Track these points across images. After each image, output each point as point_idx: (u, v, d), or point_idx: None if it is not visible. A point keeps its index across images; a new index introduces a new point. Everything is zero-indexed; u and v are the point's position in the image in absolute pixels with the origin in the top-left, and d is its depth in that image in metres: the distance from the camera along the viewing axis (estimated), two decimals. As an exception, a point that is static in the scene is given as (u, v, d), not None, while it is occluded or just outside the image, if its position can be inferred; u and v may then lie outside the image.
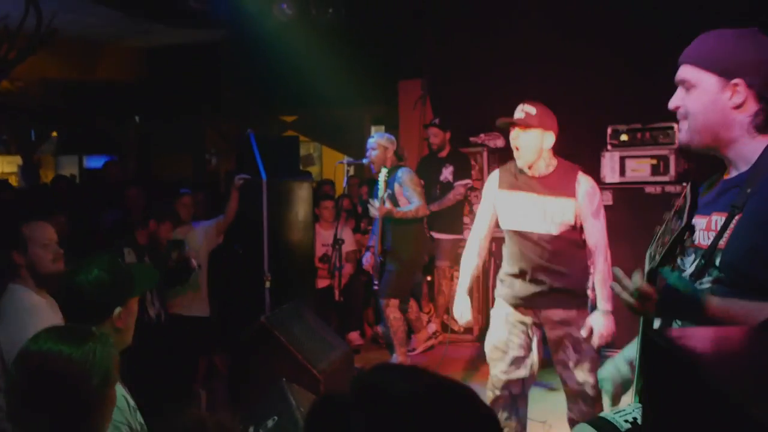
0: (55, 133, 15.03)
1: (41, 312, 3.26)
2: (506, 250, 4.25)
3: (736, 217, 2.00)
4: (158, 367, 4.87)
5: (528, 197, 4.04)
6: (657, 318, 2.16)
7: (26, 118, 13.31)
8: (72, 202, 7.43)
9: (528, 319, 4.15)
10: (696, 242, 2.13)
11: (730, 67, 2.05)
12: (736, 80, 2.04)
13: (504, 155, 8.13)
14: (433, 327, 7.28)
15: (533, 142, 3.99)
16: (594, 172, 7.09)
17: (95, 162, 13.47)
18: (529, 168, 4.03)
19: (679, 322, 2.15)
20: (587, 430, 2.20)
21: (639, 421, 2.15)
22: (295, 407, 3.55)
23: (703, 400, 0.96)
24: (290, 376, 4.16)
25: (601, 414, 2.30)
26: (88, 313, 2.50)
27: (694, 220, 2.12)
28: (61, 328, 2.13)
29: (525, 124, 4.01)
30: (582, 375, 4.04)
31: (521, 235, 4.08)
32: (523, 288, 4.12)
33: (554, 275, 4.03)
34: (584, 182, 4.00)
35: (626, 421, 2.18)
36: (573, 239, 4.04)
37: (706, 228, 2.11)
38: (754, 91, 2.04)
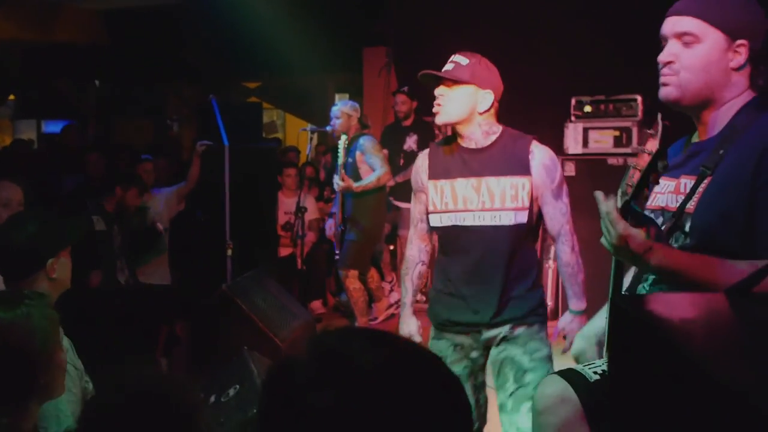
0: (12, 97, 14.72)
1: None
2: (439, 258, 3.34)
3: (706, 180, 1.96)
4: (118, 335, 4.83)
5: (465, 183, 3.14)
6: (616, 254, 2.13)
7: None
8: (30, 167, 7.29)
9: (475, 346, 3.21)
10: (664, 205, 2.10)
11: (738, 27, 1.98)
12: (741, 41, 1.98)
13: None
14: (395, 296, 7.29)
15: (461, 101, 3.13)
16: (557, 142, 7.13)
17: (54, 127, 13.23)
18: (461, 137, 3.18)
19: (646, 287, 2.16)
20: (556, 380, 2.20)
21: (607, 374, 2.14)
22: (257, 376, 3.54)
23: (669, 366, 0.97)
24: (252, 344, 4.15)
25: (573, 366, 2.31)
26: (22, 267, 2.63)
27: (662, 182, 2.09)
28: None
29: (452, 78, 3.15)
30: (520, 420, 3.07)
31: (458, 233, 3.16)
32: (462, 306, 3.19)
33: (504, 281, 3.12)
34: (540, 153, 3.13)
35: (595, 372, 2.18)
36: (528, 230, 3.15)
37: (674, 191, 2.08)
38: (752, 53, 2.00)
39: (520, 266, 3.15)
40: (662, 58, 2.06)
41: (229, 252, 5.91)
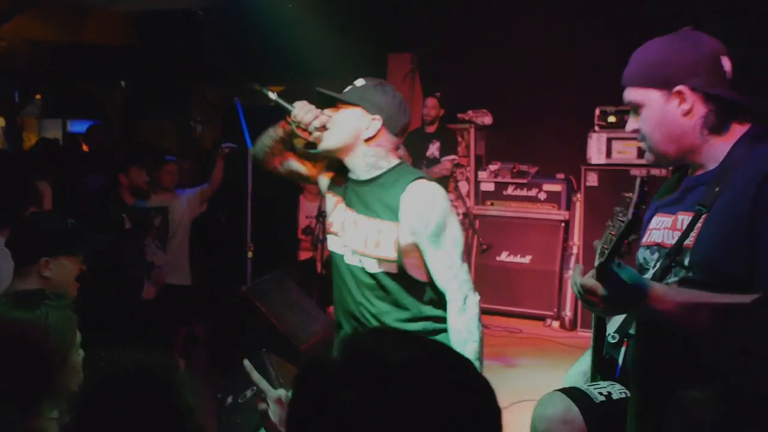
0: (39, 96, 14.86)
1: None
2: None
3: (703, 217, 1.95)
4: (137, 335, 4.87)
5: (348, 215, 2.84)
6: (604, 314, 2.15)
7: (10, 80, 13.14)
8: (56, 166, 7.36)
9: None
10: (660, 241, 2.09)
11: (667, 76, 2.00)
12: (677, 88, 1.99)
13: (491, 133, 8.15)
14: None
15: (345, 125, 2.75)
16: (580, 152, 7.12)
17: (79, 126, 13.33)
18: (351, 169, 2.82)
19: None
20: (559, 397, 2.19)
21: (613, 396, 2.16)
22: (275, 378, 3.54)
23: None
24: (270, 346, 4.15)
25: (577, 385, 2.30)
26: (16, 256, 2.76)
27: (658, 219, 2.12)
28: (12, 295, 2.18)
29: (339, 98, 2.79)
30: None
31: (342, 268, 2.90)
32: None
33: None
34: (415, 196, 2.66)
35: (600, 393, 2.18)
36: (406, 279, 2.75)
37: (671, 227, 2.07)
38: (701, 94, 1.99)
39: (398, 305, 2.77)
40: (627, 129, 2.14)
41: (250, 254, 5.93)
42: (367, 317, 2.79)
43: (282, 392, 1.61)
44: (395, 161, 2.79)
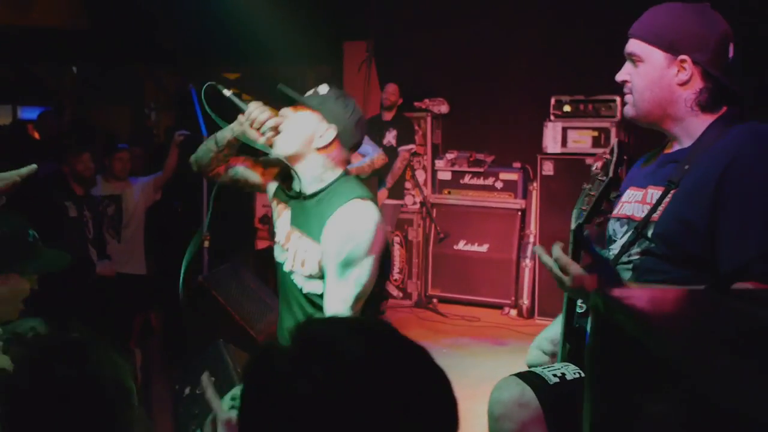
0: (-13, 81, 14.54)
1: None
2: None
3: (671, 192, 2.02)
4: (92, 324, 4.79)
5: (286, 224, 2.82)
6: (572, 294, 2.19)
7: (-43, 64, 12.83)
8: (5, 153, 7.20)
9: None
10: (630, 214, 2.15)
11: (677, 43, 2.05)
12: (682, 56, 2.05)
13: (448, 121, 8.16)
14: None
15: (301, 127, 2.68)
16: (536, 141, 7.17)
17: (30, 113, 13.08)
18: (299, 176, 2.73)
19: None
20: (514, 381, 2.20)
21: (567, 377, 2.19)
22: (232, 368, 3.52)
23: (650, 365, 0.97)
24: (227, 336, 4.12)
25: (532, 369, 2.32)
26: None
27: (630, 192, 2.19)
28: None
29: (301, 101, 2.73)
30: None
31: (283, 276, 2.84)
32: None
33: None
34: (339, 220, 2.56)
35: (554, 375, 2.20)
36: None
37: (641, 201, 2.13)
38: (701, 69, 2.05)
39: None
40: (617, 77, 2.19)
41: (206, 243, 5.87)
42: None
43: (233, 414, 1.57)
44: (339, 172, 2.71)
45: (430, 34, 8.09)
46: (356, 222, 2.56)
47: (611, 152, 1.93)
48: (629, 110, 2.18)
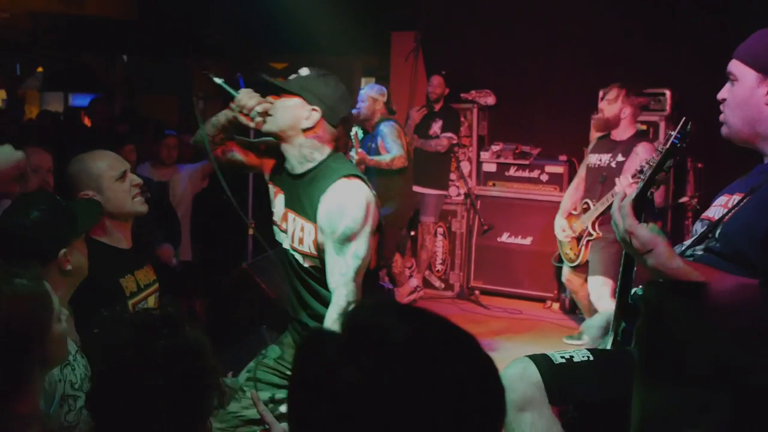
0: (40, 69, 14.81)
1: None
2: None
3: (746, 199, 2.10)
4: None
5: (281, 205, 2.98)
6: (624, 246, 2.24)
7: (12, 52, 13.07)
8: (56, 139, 7.34)
9: None
10: (711, 216, 2.22)
11: None
12: None
13: (494, 113, 8.12)
14: (414, 281, 7.29)
15: (283, 114, 2.79)
16: (583, 135, 7.10)
17: (81, 100, 13.29)
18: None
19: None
20: (520, 359, 2.31)
21: (575, 359, 2.29)
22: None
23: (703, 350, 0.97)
24: (270, 323, 4.16)
25: (544, 352, 2.41)
26: (28, 257, 2.16)
27: (722, 197, 2.27)
28: None
29: (280, 86, 2.86)
30: None
31: (285, 258, 3.00)
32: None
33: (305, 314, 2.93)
34: (332, 197, 2.70)
35: (562, 357, 2.30)
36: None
37: (724, 205, 2.20)
38: None
39: (318, 298, 2.86)
40: (719, 95, 2.25)
41: (251, 231, 5.92)
42: (295, 306, 2.95)
43: (285, 426, 1.63)
44: (328, 151, 2.83)
45: (478, 25, 8.04)
46: (347, 199, 2.69)
47: (676, 127, 2.02)
48: (723, 129, 2.23)
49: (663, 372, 1.11)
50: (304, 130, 2.78)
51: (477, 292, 7.73)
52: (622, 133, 5.41)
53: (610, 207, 2.17)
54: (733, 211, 2.10)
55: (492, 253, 7.66)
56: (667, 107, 6.66)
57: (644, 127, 6.69)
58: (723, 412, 0.87)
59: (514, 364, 2.32)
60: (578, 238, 5.49)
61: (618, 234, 2.10)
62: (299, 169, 2.83)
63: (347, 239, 2.68)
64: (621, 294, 2.38)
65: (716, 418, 0.90)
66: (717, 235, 2.10)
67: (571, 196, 5.80)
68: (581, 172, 5.82)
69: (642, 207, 2.08)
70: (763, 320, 1.45)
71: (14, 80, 14.41)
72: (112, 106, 9.54)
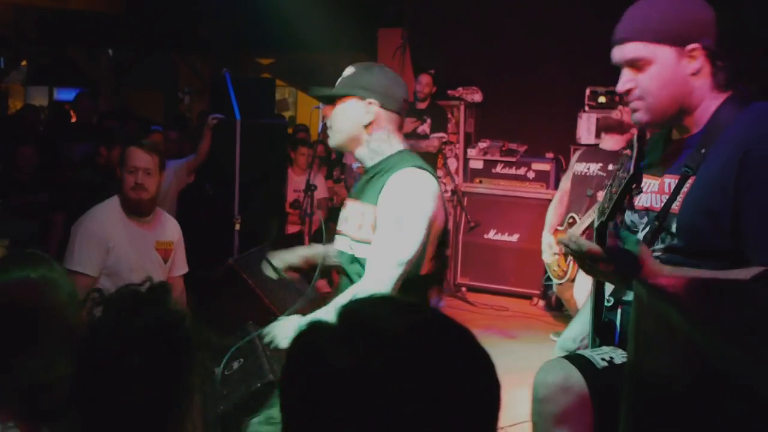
0: (24, 63, 14.69)
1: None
2: None
3: (690, 180, 1.96)
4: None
5: (346, 204, 2.94)
6: (606, 281, 2.14)
7: (-4, 45, 12.98)
8: (40, 133, 7.29)
9: None
10: (648, 205, 2.10)
11: (683, 33, 1.97)
12: (691, 45, 1.96)
13: (481, 110, 8.12)
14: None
15: (343, 117, 2.73)
16: (570, 132, 7.12)
17: (66, 94, 13.21)
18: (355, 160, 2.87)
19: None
20: (560, 364, 2.15)
21: (616, 361, 2.12)
22: (261, 350, 3.54)
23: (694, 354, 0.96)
24: (257, 319, 4.13)
25: (579, 351, 2.27)
26: None
27: (645, 181, 2.09)
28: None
29: (331, 95, 2.78)
30: None
31: (341, 259, 2.92)
32: None
33: None
34: (394, 181, 2.61)
35: (603, 359, 2.13)
36: None
37: (658, 191, 2.08)
38: (707, 52, 1.97)
39: None
40: (620, 88, 2.07)
41: (237, 226, 5.91)
42: None
43: None
44: (398, 146, 2.73)
45: (465, 21, 8.04)
46: (411, 184, 2.58)
47: (630, 146, 1.86)
48: (642, 116, 2.04)
49: (654, 367, 1.10)
50: (366, 126, 2.70)
51: (464, 288, 7.74)
52: (615, 143, 5.37)
53: None
54: (679, 197, 1.97)
55: (479, 250, 7.66)
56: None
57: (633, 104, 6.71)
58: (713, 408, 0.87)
59: (553, 369, 2.12)
60: (565, 254, 5.49)
61: (595, 275, 2.00)
62: (371, 162, 2.75)
63: (396, 223, 2.55)
64: (594, 313, 2.25)
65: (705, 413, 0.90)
66: (674, 230, 1.98)
67: (555, 209, 5.78)
68: (565, 184, 5.80)
69: (604, 234, 1.96)
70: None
71: (-2, 74, 14.30)
72: (97, 100, 9.47)
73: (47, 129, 7.76)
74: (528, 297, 7.48)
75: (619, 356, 2.13)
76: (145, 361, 1.55)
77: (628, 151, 1.87)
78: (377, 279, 2.55)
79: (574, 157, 5.90)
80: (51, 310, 1.93)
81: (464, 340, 1.08)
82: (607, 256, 1.92)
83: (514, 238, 7.56)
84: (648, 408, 1.14)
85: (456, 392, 1.01)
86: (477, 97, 8.01)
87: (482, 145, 7.79)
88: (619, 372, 2.02)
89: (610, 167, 5.22)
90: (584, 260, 1.97)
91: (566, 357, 2.18)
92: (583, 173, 5.49)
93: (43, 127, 7.85)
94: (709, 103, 2.01)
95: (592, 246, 1.95)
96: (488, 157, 7.73)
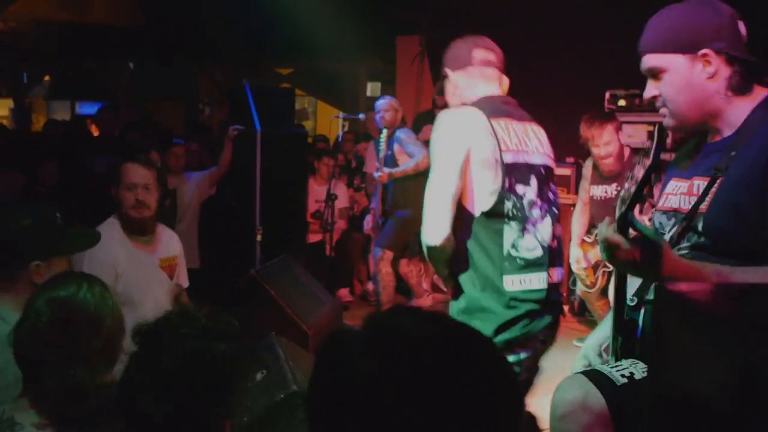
0: (47, 77, 14.85)
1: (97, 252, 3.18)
2: None
3: (719, 181, 1.98)
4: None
5: None
6: (627, 272, 2.15)
7: (18, 60, 13.12)
8: (64, 147, 7.36)
9: None
10: (677, 206, 2.12)
11: (692, 40, 2.02)
12: (703, 51, 2.01)
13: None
14: (424, 285, 7.27)
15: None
16: (590, 136, 7.07)
17: (88, 108, 13.33)
18: None
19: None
20: (579, 381, 2.13)
21: (636, 376, 2.10)
22: (284, 360, 3.55)
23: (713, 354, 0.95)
24: (279, 329, 4.15)
25: (597, 367, 2.26)
26: (2, 258, 2.40)
27: (675, 184, 2.15)
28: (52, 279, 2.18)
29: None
30: None
31: None
32: None
33: None
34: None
35: (623, 375, 2.11)
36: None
37: (687, 192, 2.10)
38: (724, 56, 2.01)
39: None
40: (645, 96, 2.17)
41: (259, 237, 5.93)
42: None
43: None
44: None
45: (483, 27, 7.98)
46: (435, 125, 2.89)
47: (651, 137, 1.90)
48: (669, 121, 2.13)
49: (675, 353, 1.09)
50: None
51: (486, 295, 7.70)
52: (615, 164, 5.28)
53: None
54: (707, 198, 1.99)
55: (500, 256, 7.62)
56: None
57: (650, 128, 6.67)
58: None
59: (571, 387, 2.12)
60: (594, 267, 5.48)
61: (619, 266, 2.03)
62: None
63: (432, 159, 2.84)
64: (616, 311, 2.26)
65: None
66: (701, 229, 1.99)
67: (579, 219, 5.76)
68: (583, 195, 5.79)
69: (627, 227, 1.99)
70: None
71: (21, 89, 14.46)
72: (119, 113, 9.55)
73: (67, 143, 7.81)
74: (551, 302, 7.42)
75: (639, 371, 2.11)
76: (188, 385, 1.63)
77: (649, 143, 1.90)
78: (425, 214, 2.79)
79: (588, 178, 5.83)
80: (96, 324, 2.04)
81: (487, 349, 1.11)
82: (627, 246, 1.94)
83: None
84: (676, 427, 1.12)
85: (477, 399, 1.02)
86: (495, 102, 7.99)
87: (502, 150, 7.76)
88: (640, 388, 2.03)
89: (626, 184, 5.18)
90: (607, 250, 2.01)
91: (585, 373, 2.16)
92: (602, 197, 5.45)
93: (62, 141, 7.91)
94: (741, 106, 2.04)
95: (611, 235, 1.98)
96: (509, 162, 7.69)
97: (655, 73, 2.10)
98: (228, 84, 12.10)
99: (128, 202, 3.43)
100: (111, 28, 11.46)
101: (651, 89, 2.13)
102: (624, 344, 2.25)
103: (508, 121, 2.87)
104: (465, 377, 1.03)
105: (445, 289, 7.80)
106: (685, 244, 2.04)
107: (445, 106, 7.47)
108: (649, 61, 2.11)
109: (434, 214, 2.72)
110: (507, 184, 2.67)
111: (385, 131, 6.36)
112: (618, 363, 2.21)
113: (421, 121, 7.64)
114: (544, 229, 2.72)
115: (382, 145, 6.35)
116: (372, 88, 12.37)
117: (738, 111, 2.04)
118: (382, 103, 6.54)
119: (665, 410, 1.13)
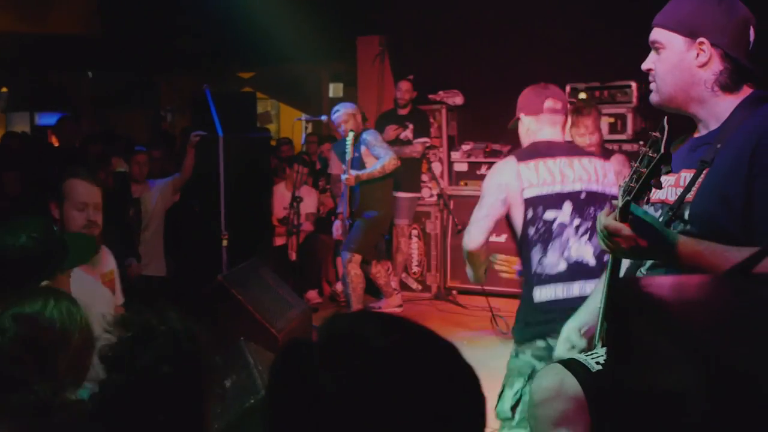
0: (5, 89, 14.64)
1: None
2: None
3: (705, 171, 2.04)
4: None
5: None
6: (627, 257, 2.18)
7: (-25, 73, 12.93)
8: (24, 160, 7.26)
9: None
10: (664, 198, 2.17)
11: (695, 27, 2.10)
12: (700, 39, 2.09)
13: (463, 113, 8.13)
14: (398, 299, 7.26)
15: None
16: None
17: (48, 119, 13.16)
18: None
19: (644, 271, 2.18)
20: (555, 371, 2.21)
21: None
22: (254, 366, 3.53)
23: (670, 349, 0.96)
24: (248, 334, 4.13)
25: (573, 355, 2.34)
26: (8, 283, 2.25)
27: (662, 177, 2.16)
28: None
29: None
30: None
31: None
32: None
33: None
34: None
35: (597, 363, 2.19)
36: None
37: (674, 184, 2.15)
38: (720, 51, 2.09)
39: None
40: (643, 66, 2.24)
41: (225, 242, 5.90)
42: None
43: None
44: None
45: (443, 25, 8.06)
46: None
47: (661, 130, 1.95)
48: (654, 96, 2.22)
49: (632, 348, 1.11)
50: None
51: (454, 292, 7.74)
52: (596, 152, 5.34)
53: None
54: (693, 188, 2.05)
55: (467, 252, 7.66)
56: (634, 99, 6.72)
57: (612, 120, 6.74)
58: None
59: (548, 374, 2.23)
60: None
61: (620, 253, 2.07)
62: None
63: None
64: (608, 297, 2.30)
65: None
66: (687, 217, 2.05)
67: None
68: None
69: (626, 214, 2.02)
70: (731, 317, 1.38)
71: (-22, 102, 14.25)
72: (80, 123, 9.43)
73: (26, 155, 7.69)
74: (518, 296, 7.47)
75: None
76: (164, 386, 1.62)
77: (656, 134, 1.93)
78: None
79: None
80: (62, 340, 2.01)
81: (449, 356, 1.07)
82: (628, 233, 1.98)
83: (502, 238, 7.52)
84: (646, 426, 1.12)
85: (441, 408, 1.01)
86: (458, 99, 8.02)
87: (466, 147, 7.80)
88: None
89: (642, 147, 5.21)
90: (607, 237, 2.04)
91: (561, 362, 2.25)
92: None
93: (22, 152, 7.79)
94: (727, 100, 2.11)
95: (611, 222, 2.01)
96: (472, 159, 7.74)
97: (656, 47, 2.18)
98: (190, 90, 12.01)
99: (78, 222, 3.16)
100: (70, 38, 11.32)
101: (648, 62, 2.22)
102: (609, 330, 2.29)
103: (539, 161, 3.46)
104: (429, 387, 1.01)
105: (413, 287, 7.84)
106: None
107: (407, 105, 7.56)
108: (654, 34, 2.19)
109: (473, 228, 3.57)
110: (531, 214, 3.39)
111: (351, 134, 6.37)
112: (594, 351, 2.29)
113: (384, 121, 7.65)
114: (578, 245, 3.38)
115: (349, 148, 6.35)
116: (334, 89, 12.37)
117: (724, 104, 2.11)
118: (336, 117, 6.53)
119: (623, 400, 1.14)
